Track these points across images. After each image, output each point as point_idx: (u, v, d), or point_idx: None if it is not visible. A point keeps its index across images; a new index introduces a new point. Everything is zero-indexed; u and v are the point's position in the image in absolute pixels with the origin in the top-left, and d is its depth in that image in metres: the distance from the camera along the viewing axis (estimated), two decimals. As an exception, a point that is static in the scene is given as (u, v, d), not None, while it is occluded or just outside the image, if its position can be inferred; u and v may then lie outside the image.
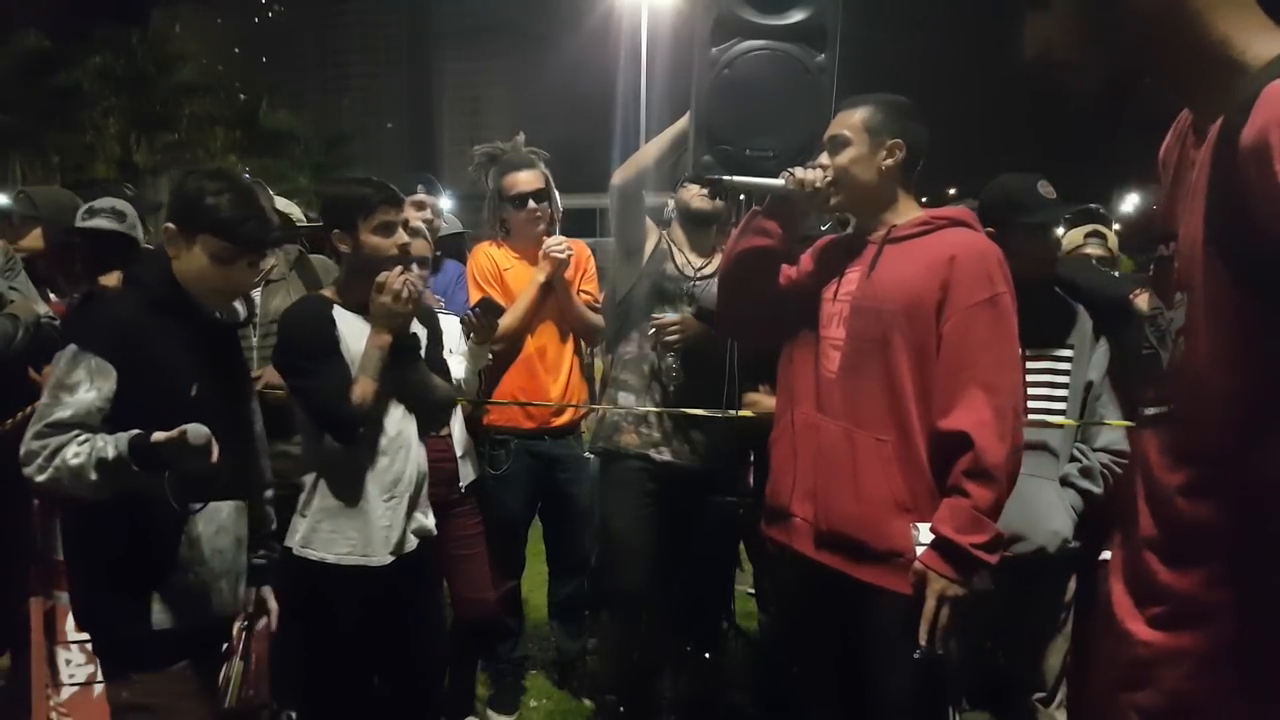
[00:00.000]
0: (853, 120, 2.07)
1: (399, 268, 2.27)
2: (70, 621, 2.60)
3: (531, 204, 3.15)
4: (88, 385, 1.81)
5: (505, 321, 2.93)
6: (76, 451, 1.76)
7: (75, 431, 1.79)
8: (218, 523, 1.97)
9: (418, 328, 2.40)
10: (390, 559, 2.32)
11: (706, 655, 2.99)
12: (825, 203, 2.09)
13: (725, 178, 2.11)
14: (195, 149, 24.32)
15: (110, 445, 1.76)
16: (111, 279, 2.85)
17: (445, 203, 4.02)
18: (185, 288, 1.94)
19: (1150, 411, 1.11)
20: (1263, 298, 0.90)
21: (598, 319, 3.20)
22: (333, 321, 2.29)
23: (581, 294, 3.25)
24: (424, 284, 2.81)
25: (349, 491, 2.29)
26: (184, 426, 1.72)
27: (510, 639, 3.31)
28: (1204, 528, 0.99)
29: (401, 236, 2.31)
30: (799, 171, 2.05)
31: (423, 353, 2.39)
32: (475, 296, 2.98)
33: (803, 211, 2.14)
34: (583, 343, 3.33)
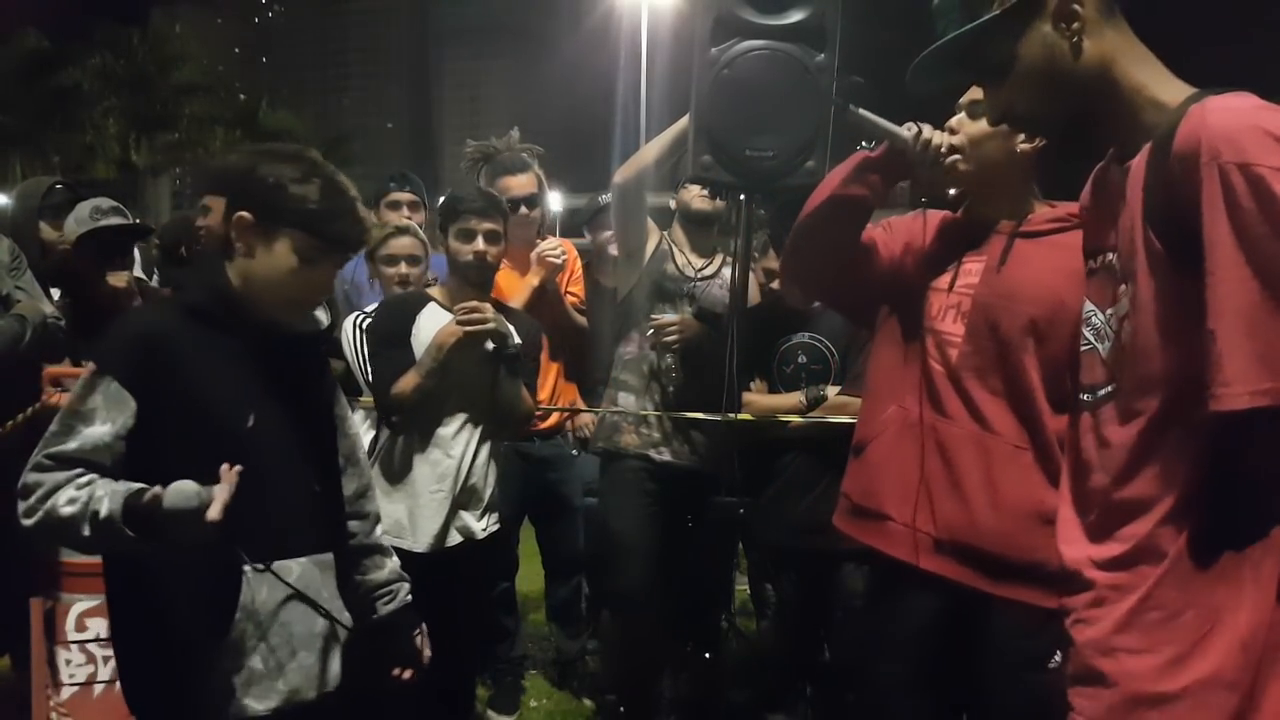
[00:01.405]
0: None
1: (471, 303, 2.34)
2: (70, 621, 2.60)
3: (523, 209, 3.13)
4: (103, 416, 1.50)
5: None
6: (71, 498, 1.44)
7: (78, 470, 1.47)
8: (285, 587, 1.59)
9: (521, 338, 2.47)
10: (428, 549, 2.37)
11: (706, 655, 2.99)
12: (945, 170, 1.89)
13: (852, 107, 1.92)
14: (195, 149, 24.30)
15: (105, 500, 1.42)
16: (121, 279, 2.83)
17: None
18: (244, 295, 1.60)
19: (1086, 397, 1.32)
20: (1194, 278, 1.10)
21: (584, 321, 3.24)
22: (412, 316, 2.41)
23: (568, 295, 3.26)
24: (412, 279, 2.84)
25: (400, 472, 2.43)
26: (160, 489, 1.39)
27: (507, 639, 3.31)
28: (1143, 482, 1.19)
29: (479, 244, 2.38)
30: (927, 129, 1.87)
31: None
32: None
33: (917, 175, 1.94)
34: (570, 344, 3.31)
